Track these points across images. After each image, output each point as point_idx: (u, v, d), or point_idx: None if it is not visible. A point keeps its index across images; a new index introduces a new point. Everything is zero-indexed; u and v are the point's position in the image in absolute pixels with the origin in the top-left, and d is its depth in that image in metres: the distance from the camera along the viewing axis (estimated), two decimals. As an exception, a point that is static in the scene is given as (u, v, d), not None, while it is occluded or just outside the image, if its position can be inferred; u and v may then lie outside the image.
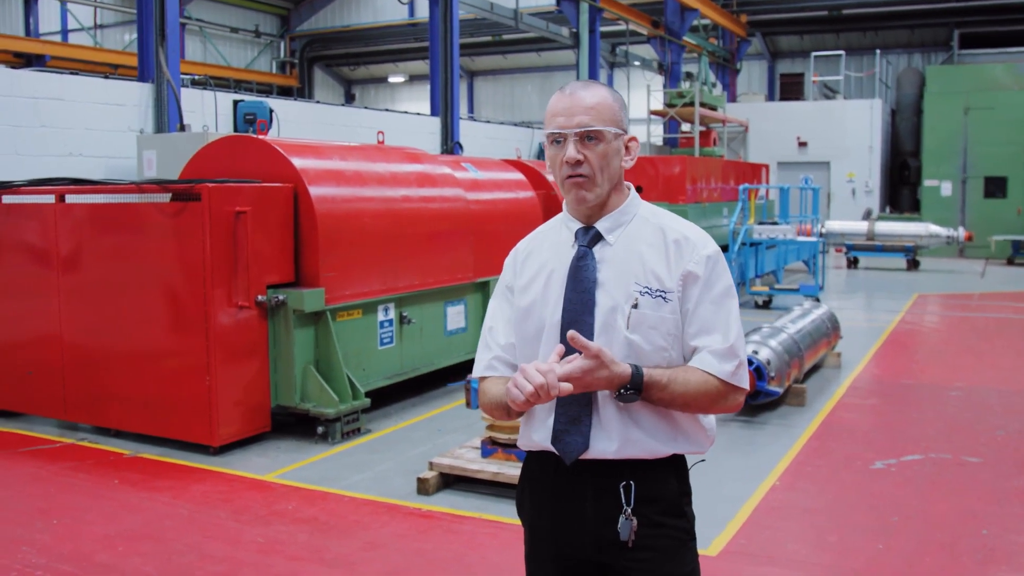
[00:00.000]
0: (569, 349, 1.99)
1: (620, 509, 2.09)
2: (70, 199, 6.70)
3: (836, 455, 6.14)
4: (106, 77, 11.08)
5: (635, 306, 2.08)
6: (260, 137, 7.22)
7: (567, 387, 1.94)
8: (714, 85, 23.42)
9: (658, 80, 24.85)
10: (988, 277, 17.71)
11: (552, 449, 2.14)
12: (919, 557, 4.46)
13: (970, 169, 22.40)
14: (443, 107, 15.43)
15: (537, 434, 2.17)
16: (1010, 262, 20.34)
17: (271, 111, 9.43)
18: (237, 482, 5.63)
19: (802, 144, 23.84)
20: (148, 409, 6.36)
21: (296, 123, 12.32)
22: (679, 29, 22.03)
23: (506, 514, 4.97)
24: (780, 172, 23.45)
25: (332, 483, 5.58)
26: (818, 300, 10.01)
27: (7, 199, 7.03)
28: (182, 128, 9.90)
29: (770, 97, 27.87)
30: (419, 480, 5.42)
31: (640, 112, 22.70)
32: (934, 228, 18.83)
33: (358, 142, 8.47)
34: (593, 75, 18.98)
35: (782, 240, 13.94)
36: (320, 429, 6.45)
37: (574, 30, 19.01)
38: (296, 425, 6.73)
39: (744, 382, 2.12)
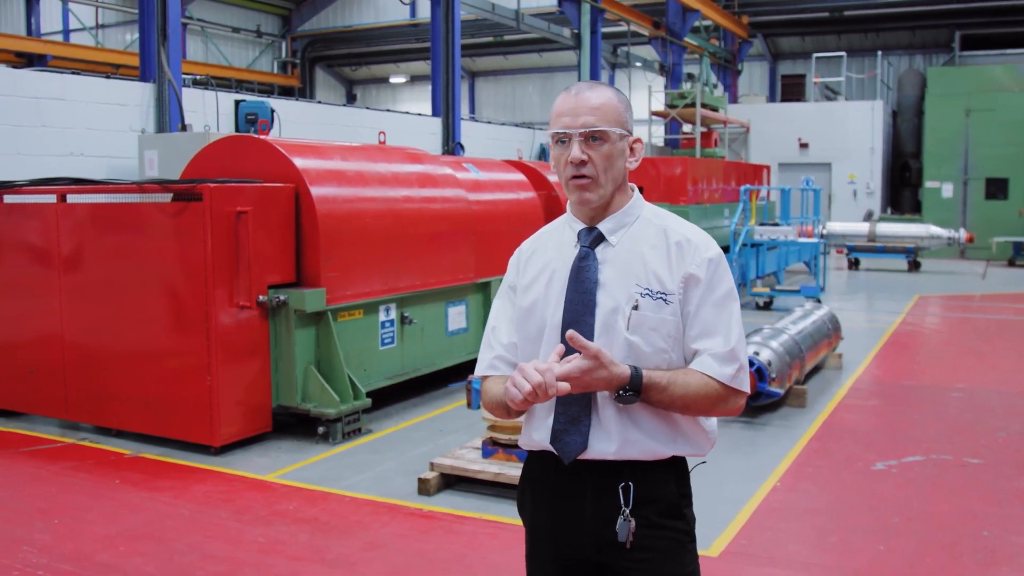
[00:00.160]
0: (569, 349, 1.99)
1: (619, 510, 2.09)
2: (71, 199, 6.71)
3: (837, 456, 6.14)
4: (108, 77, 11.08)
5: (636, 307, 2.08)
6: (261, 137, 7.22)
7: (565, 387, 1.94)
8: (715, 86, 23.42)
9: (659, 81, 24.86)
10: (989, 278, 17.71)
11: (552, 449, 2.14)
12: (920, 558, 4.46)
13: (971, 170, 22.39)
14: (444, 107, 15.43)
15: (537, 433, 2.18)
16: (1011, 263, 20.33)
17: (272, 111, 9.43)
18: (238, 482, 5.63)
19: (803, 145, 23.84)
20: (149, 409, 6.36)
21: (297, 123, 12.32)
22: (680, 30, 22.02)
23: (507, 515, 4.97)
24: (781, 173, 23.45)
25: (333, 483, 5.58)
26: (819, 301, 10.01)
27: (8, 199, 7.03)
28: (183, 128, 9.90)
29: (771, 98, 27.87)
30: (420, 480, 5.42)
31: (641, 113, 22.70)
32: (935, 229, 18.84)
33: (359, 142, 8.47)
34: (594, 76, 18.98)
35: (783, 241, 13.94)
36: (321, 429, 6.45)
37: (575, 31, 19.01)
38: (297, 425, 6.74)
39: (745, 385, 2.12)
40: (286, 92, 27.33)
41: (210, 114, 11.02)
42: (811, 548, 4.62)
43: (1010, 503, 5.22)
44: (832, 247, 19.58)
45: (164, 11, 10.15)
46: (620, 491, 2.09)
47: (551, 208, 9.70)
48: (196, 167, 6.95)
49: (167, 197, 6.22)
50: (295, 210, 6.59)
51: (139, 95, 10.34)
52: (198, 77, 18.72)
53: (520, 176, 9.68)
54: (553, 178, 10.07)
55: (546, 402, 2.13)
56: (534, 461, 2.25)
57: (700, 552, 2.24)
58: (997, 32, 24.22)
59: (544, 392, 1.93)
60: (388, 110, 17.48)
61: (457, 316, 8.14)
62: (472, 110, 31.19)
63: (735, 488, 5.41)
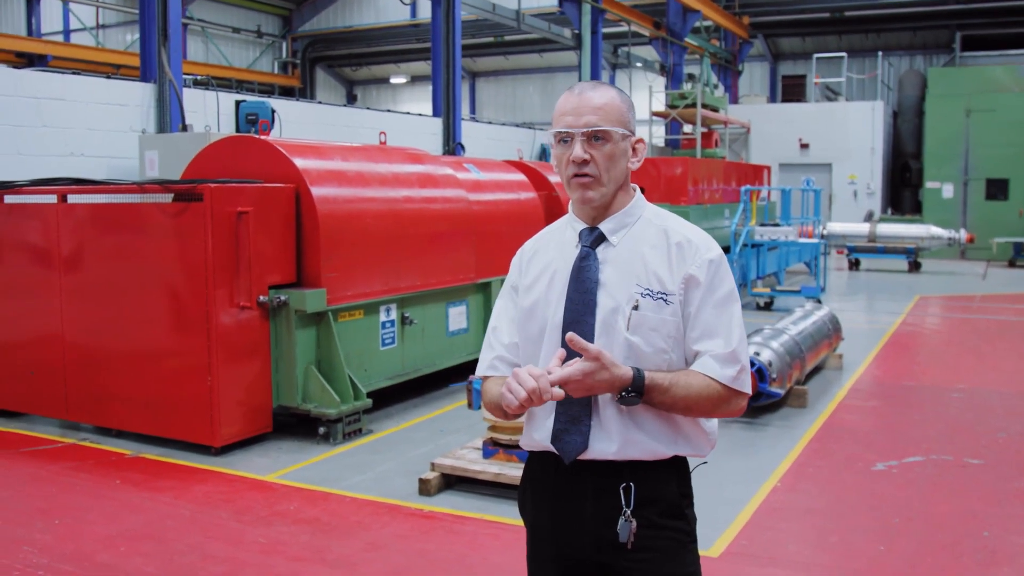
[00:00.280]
0: (571, 352, 1.99)
1: (620, 510, 2.09)
2: (72, 199, 6.71)
3: (837, 456, 6.14)
4: (108, 77, 11.08)
5: (636, 307, 2.08)
6: (262, 137, 7.22)
7: (559, 392, 1.95)
8: (716, 86, 23.42)
9: (660, 81, 24.85)
10: (989, 279, 17.70)
11: (552, 449, 2.14)
12: (920, 558, 4.46)
13: (972, 171, 22.39)
14: (445, 108, 15.44)
15: (538, 433, 2.18)
16: (1011, 264, 20.33)
17: (273, 111, 9.43)
18: (239, 482, 5.63)
19: (804, 146, 23.84)
20: (150, 409, 6.36)
21: (298, 123, 12.33)
22: (681, 30, 22.02)
23: (508, 515, 4.97)
24: (782, 174, 23.44)
25: (334, 484, 5.58)
26: (819, 302, 10.01)
27: (9, 199, 7.03)
28: (184, 128, 9.90)
29: (772, 99, 27.87)
30: (421, 481, 5.42)
31: (642, 113, 22.69)
32: (935, 230, 18.84)
33: (360, 143, 8.47)
34: (595, 76, 18.98)
35: (784, 242, 13.94)
36: (322, 430, 6.45)
37: (576, 31, 19.01)
38: (298, 425, 6.74)
39: (746, 387, 2.12)
40: (286, 92, 27.34)
41: (211, 114, 11.03)
42: (812, 548, 4.62)
43: (1010, 503, 5.22)
44: (832, 247, 19.58)
45: (165, 11, 10.15)
46: (621, 491, 2.09)
47: (552, 208, 9.70)
48: (197, 167, 6.95)
49: (168, 197, 6.22)
50: (296, 210, 6.59)
51: (140, 95, 10.34)
52: (199, 77, 18.74)
53: (521, 176, 9.68)
54: (554, 178, 10.07)
55: (546, 402, 2.14)
56: (535, 461, 2.25)
57: (700, 552, 2.24)
58: (998, 33, 24.22)
59: (539, 397, 1.94)
60: (389, 110, 17.49)
61: (458, 316, 8.14)
62: (473, 110, 31.20)
63: (736, 488, 5.41)
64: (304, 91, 29.36)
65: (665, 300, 2.09)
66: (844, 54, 24.71)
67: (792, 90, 28.27)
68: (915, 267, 18.85)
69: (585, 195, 2.13)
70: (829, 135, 23.55)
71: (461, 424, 6.93)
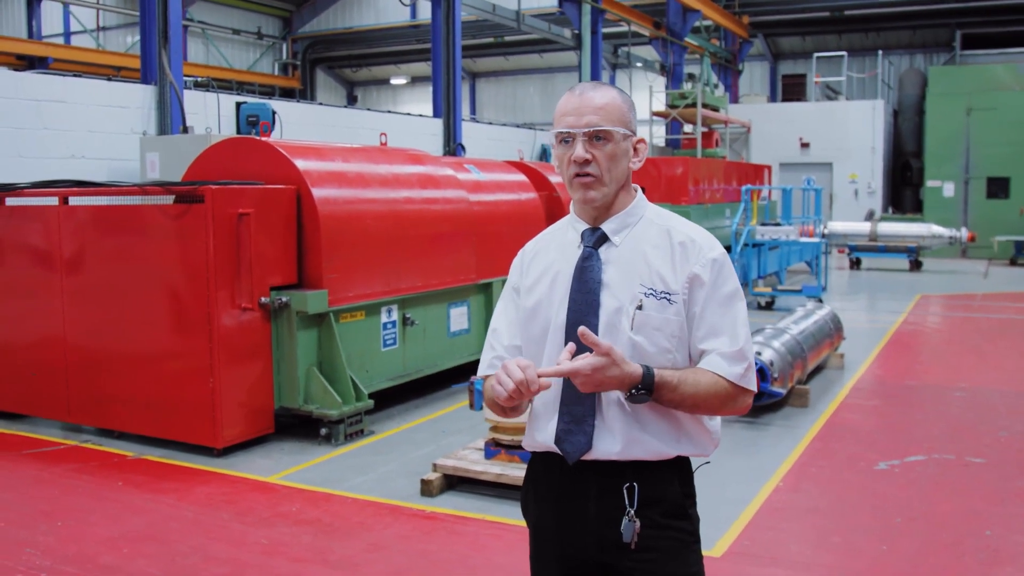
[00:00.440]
0: (580, 348, 1.99)
1: (623, 510, 2.09)
2: (73, 201, 6.71)
3: (839, 456, 6.14)
4: (109, 79, 11.09)
5: (640, 307, 2.08)
6: (263, 139, 7.23)
7: (547, 383, 1.95)
8: (716, 86, 23.40)
9: (660, 81, 24.85)
10: (991, 278, 17.70)
11: (556, 449, 2.14)
12: (923, 558, 4.46)
13: (972, 170, 22.38)
14: (445, 109, 15.44)
15: (541, 434, 2.18)
16: (1013, 263, 20.32)
17: (274, 113, 9.43)
18: (241, 484, 5.63)
19: (804, 145, 23.84)
20: (151, 411, 6.36)
21: (298, 125, 12.33)
22: (681, 30, 22.02)
23: (510, 515, 4.97)
24: (782, 173, 23.44)
25: (335, 485, 5.59)
26: (821, 301, 10.02)
27: (10, 201, 7.04)
28: (185, 130, 9.90)
29: (772, 98, 27.86)
30: (423, 481, 5.43)
31: (642, 113, 22.67)
32: (937, 229, 18.83)
33: (361, 144, 8.48)
34: (595, 76, 18.98)
35: (785, 241, 13.94)
36: (323, 431, 6.45)
37: (576, 31, 19.01)
38: (299, 427, 6.74)
39: (752, 384, 2.12)
40: (287, 94, 27.34)
41: (211, 116, 11.03)
42: (813, 548, 4.62)
43: (1013, 502, 5.22)
44: (833, 247, 19.57)
45: (165, 13, 10.15)
46: (624, 491, 2.09)
47: (552, 209, 9.70)
48: (198, 169, 6.96)
49: (169, 199, 6.22)
50: (297, 212, 6.60)
51: (140, 97, 10.34)
52: (199, 79, 18.74)
53: (521, 177, 9.68)
54: (555, 179, 10.08)
55: (549, 403, 2.14)
56: (538, 462, 2.25)
57: (703, 552, 2.24)
58: (998, 31, 24.21)
59: (527, 388, 1.94)
60: (389, 111, 17.49)
61: (459, 317, 8.14)
62: (473, 111, 31.20)
63: (737, 488, 5.41)
64: (304, 92, 29.37)
65: (669, 299, 2.09)
66: (844, 53, 24.70)
67: (792, 89, 28.26)
68: (916, 266, 18.84)
69: (587, 195, 2.13)
70: (829, 134, 23.55)
71: (463, 425, 6.94)
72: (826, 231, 18.03)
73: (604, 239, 2.16)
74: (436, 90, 15.64)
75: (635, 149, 2.18)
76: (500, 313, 2.33)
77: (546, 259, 2.24)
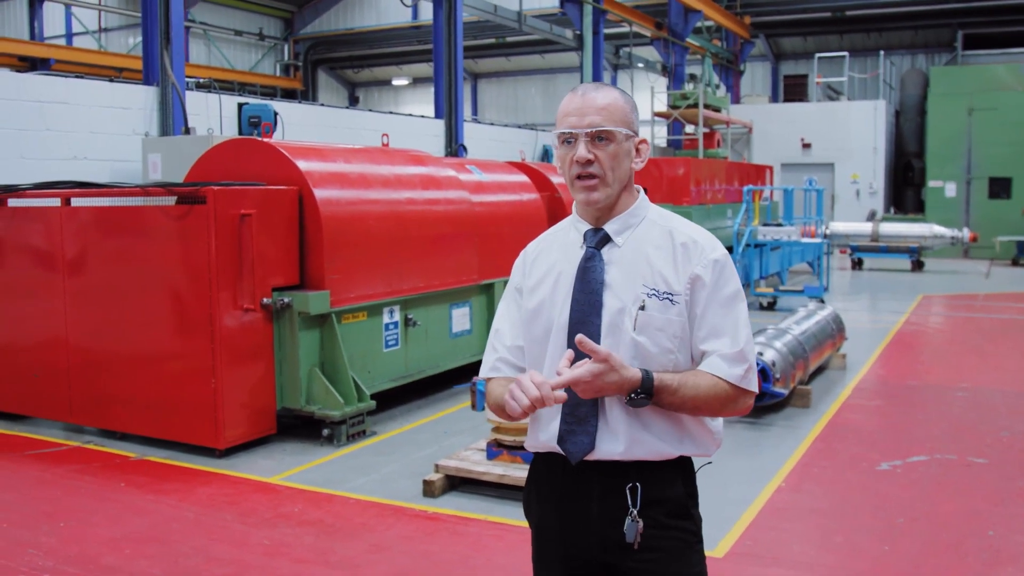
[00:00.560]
0: (579, 354, 1.99)
1: (626, 510, 2.09)
2: (75, 202, 6.72)
3: (841, 456, 6.14)
4: (111, 80, 11.10)
5: (642, 308, 2.08)
6: (265, 140, 7.24)
7: (562, 395, 1.96)
8: (718, 87, 23.39)
9: (662, 82, 24.83)
10: (993, 278, 17.68)
11: (558, 450, 2.15)
12: (925, 558, 4.45)
13: (974, 170, 22.36)
14: (447, 109, 15.44)
15: (543, 435, 2.18)
16: (1015, 263, 20.30)
17: (275, 114, 9.45)
18: (243, 485, 5.64)
19: (806, 145, 23.83)
20: (153, 412, 6.37)
21: (300, 126, 12.34)
22: (682, 31, 22.02)
23: (512, 516, 4.98)
24: (784, 173, 23.43)
25: (338, 485, 5.59)
26: (823, 301, 10.02)
27: (13, 202, 7.05)
28: (187, 131, 9.91)
29: (774, 99, 27.85)
30: (425, 482, 5.43)
31: (644, 114, 22.68)
32: (938, 229, 18.81)
33: (362, 145, 8.48)
34: (597, 77, 18.97)
35: (786, 241, 13.93)
36: (325, 431, 6.45)
37: (578, 32, 19.01)
38: (301, 427, 6.75)
39: (753, 385, 2.13)
40: (289, 95, 27.36)
41: (213, 117, 11.04)
42: (816, 548, 4.62)
43: (1015, 502, 5.22)
44: (835, 247, 19.56)
45: (167, 14, 10.16)
46: (627, 492, 2.10)
47: (554, 209, 9.70)
48: (200, 170, 6.96)
49: (171, 200, 6.23)
50: (299, 212, 6.60)
51: (142, 98, 10.35)
52: (201, 80, 18.77)
53: (523, 178, 9.68)
54: (556, 179, 10.08)
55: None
56: (540, 462, 2.25)
57: (705, 553, 2.24)
58: (1000, 31, 24.19)
59: (541, 404, 1.95)
60: (391, 112, 17.49)
61: (461, 318, 8.14)
62: (475, 112, 31.20)
63: (740, 489, 5.41)
64: (306, 93, 29.38)
65: (671, 300, 2.09)
66: (846, 53, 24.69)
67: (794, 90, 28.24)
68: (918, 266, 18.83)
69: (590, 196, 2.13)
70: (831, 135, 23.54)
71: (465, 425, 6.94)
72: (828, 231, 18.03)
73: (607, 240, 2.17)
74: (438, 91, 15.64)
75: (637, 150, 2.19)
76: (502, 314, 2.33)
77: (548, 260, 2.24)
